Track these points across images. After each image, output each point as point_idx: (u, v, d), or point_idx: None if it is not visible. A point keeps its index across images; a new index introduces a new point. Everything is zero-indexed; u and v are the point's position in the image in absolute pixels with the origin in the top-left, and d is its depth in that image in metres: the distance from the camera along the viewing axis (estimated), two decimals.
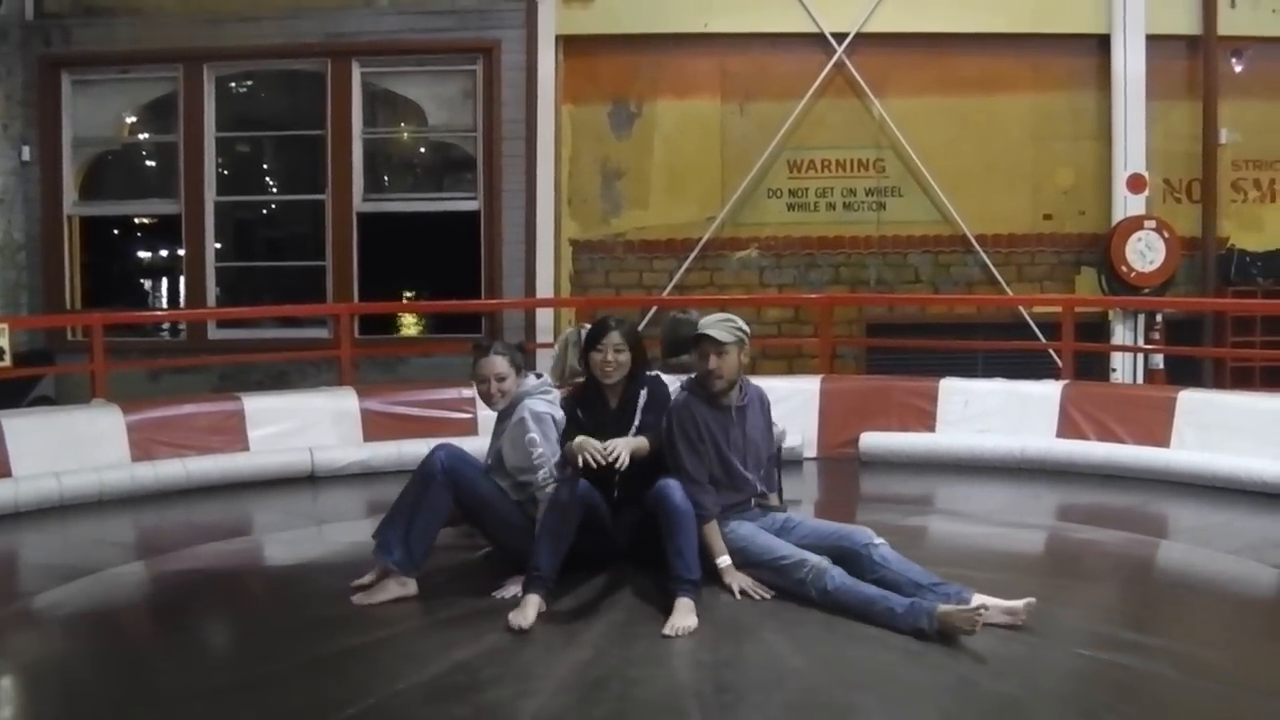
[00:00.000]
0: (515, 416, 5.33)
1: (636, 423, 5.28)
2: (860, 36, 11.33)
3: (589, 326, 5.67)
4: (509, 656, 4.36)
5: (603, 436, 5.08)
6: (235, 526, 7.10)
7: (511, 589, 4.99)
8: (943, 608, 4.47)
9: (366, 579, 5.20)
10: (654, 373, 5.57)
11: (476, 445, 6.04)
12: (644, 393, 5.34)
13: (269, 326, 11.85)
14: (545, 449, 5.20)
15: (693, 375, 5.37)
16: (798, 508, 6.03)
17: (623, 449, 4.97)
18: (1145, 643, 4.50)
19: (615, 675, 4.15)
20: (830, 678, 4.16)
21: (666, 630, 4.54)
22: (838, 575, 4.80)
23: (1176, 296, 11.36)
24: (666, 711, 3.88)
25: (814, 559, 4.89)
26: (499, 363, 5.36)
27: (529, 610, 4.65)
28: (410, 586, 5.02)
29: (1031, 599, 4.58)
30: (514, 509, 5.25)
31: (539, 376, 5.51)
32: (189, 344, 11.95)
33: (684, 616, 4.61)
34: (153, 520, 7.20)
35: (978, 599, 4.58)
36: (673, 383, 5.53)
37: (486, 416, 8.68)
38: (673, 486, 4.94)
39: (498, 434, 5.49)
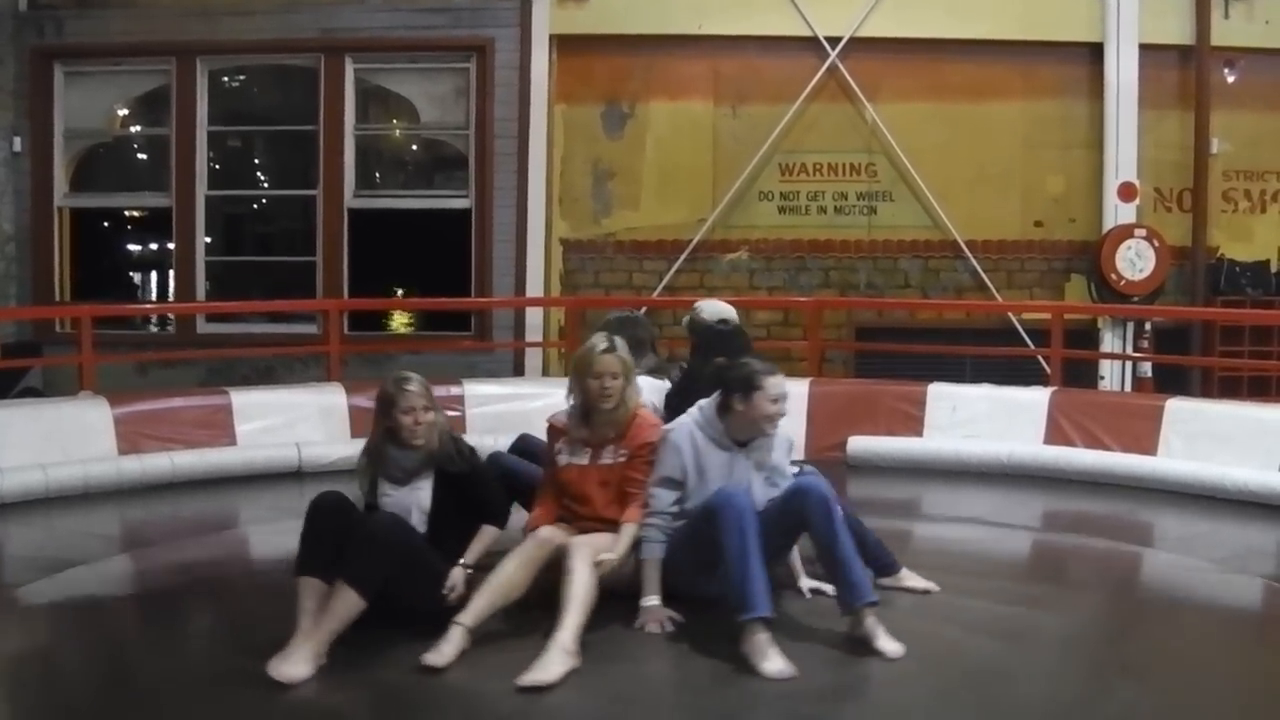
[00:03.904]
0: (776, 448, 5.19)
1: None
2: (853, 41, 11.33)
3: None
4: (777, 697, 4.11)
5: None
6: (221, 521, 7.11)
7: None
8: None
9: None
10: None
11: None
12: None
13: (258, 321, 11.86)
14: None
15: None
16: None
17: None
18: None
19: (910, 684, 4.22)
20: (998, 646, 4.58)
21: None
22: None
23: (1166, 305, 11.37)
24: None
25: None
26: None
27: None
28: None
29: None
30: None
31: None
32: (177, 338, 11.93)
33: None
34: (139, 514, 7.20)
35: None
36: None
37: (476, 415, 8.81)
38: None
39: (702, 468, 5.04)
